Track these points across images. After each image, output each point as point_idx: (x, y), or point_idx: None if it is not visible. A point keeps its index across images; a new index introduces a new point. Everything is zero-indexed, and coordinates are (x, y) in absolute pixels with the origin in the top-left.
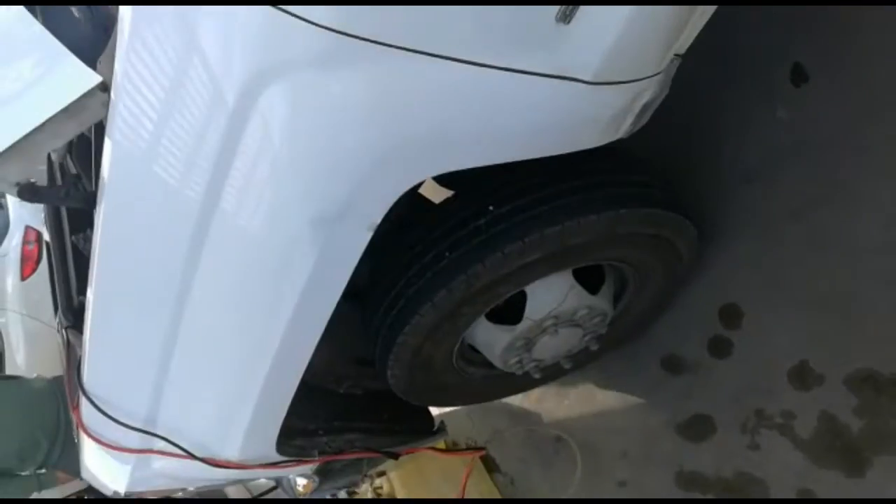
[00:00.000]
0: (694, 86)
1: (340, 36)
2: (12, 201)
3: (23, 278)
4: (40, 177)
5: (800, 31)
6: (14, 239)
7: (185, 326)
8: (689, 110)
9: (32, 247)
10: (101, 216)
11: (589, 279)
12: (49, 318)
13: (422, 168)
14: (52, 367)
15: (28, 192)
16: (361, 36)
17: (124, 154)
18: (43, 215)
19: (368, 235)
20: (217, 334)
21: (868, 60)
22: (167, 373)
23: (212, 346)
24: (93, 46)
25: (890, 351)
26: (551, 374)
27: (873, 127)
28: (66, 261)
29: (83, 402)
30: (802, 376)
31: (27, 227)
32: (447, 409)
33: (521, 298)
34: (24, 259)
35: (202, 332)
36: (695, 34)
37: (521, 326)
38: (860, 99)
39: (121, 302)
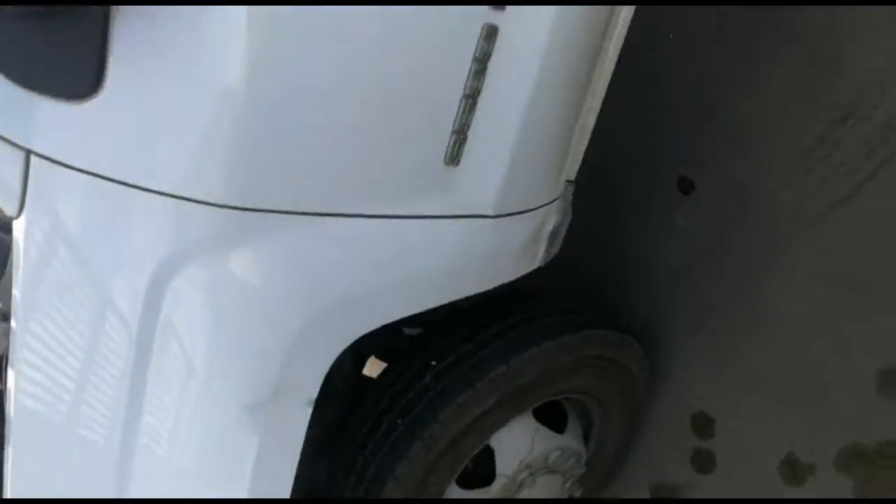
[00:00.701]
0: (595, 212)
1: (238, 212)
2: None
3: None
4: None
5: (673, 145)
6: None
7: None
8: (595, 235)
9: None
10: (9, 457)
11: (552, 421)
12: None
13: (347, 331)
14: None
15: None
16: (260, 208)
17: (31, 384)
18: None
19: (309, 410)
20: None
21: (742, 160)
22: None
23: None
24: None
25: (865, 418)
26: None
27: (764, 213)
28: None
29: None
30: (793, 470)
31: None
32: None
33: (488, 456)
34: None
35: None
36: (579, 159)
37: (496, 485)
38: (745, 192)
39: None
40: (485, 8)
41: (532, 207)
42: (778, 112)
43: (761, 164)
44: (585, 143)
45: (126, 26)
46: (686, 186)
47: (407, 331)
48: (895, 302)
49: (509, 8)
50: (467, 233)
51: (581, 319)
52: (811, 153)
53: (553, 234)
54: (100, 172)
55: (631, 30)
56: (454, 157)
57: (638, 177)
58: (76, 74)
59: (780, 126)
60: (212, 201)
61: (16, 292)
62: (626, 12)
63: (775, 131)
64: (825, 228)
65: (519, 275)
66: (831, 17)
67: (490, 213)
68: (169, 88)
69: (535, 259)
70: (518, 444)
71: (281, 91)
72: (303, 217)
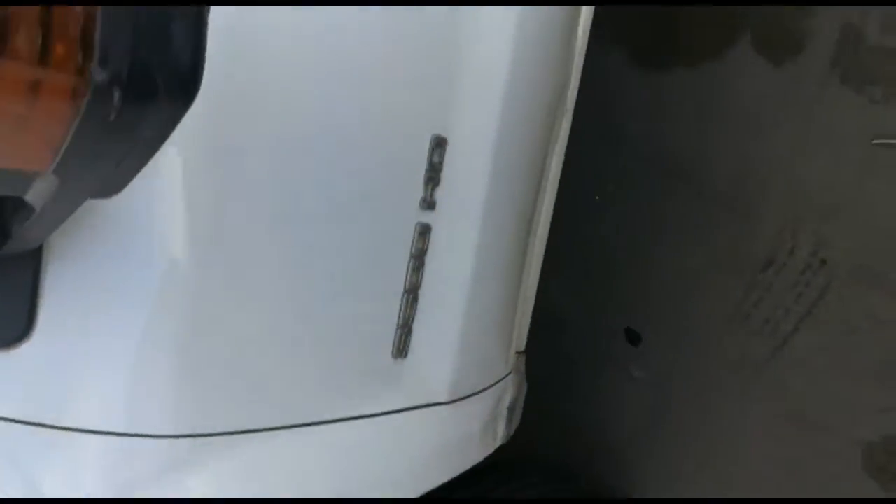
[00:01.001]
0: (548, 377)
1: (188, 439)
2: None
3: None
4: None
5: (613, 302)
6: None
7: None
8: (551, 402)
9: None
10: None
11: None
12: None
13: None
14: None
15: None
16: (210, 432)
17: None
18: None
19: None
20: None
21: (682, 311)
22: None
23: None
24: None
25: None
26: None
27: (713, 359)
28: None
29: None
30: None
31: None
32: None
33: None
34: None
35: None
36: (526, 329)
37: None
38: (691, 342)
39: None
40: (416, 209)
41: (486, 386)
42: (707, 263)
43: (701, 313)
44: (530, 312)
45: (57, 269)
46: (633, 338)
47: None
48: (851, 440)
49: (439, 207)
50: (425, 422)
51: (557, 492)
52: (745, 300)
53: (511, 409)
54: (33, 420)
55: (562, 192)
56: (401, 350)
57: (586, 334)
58: (4, 322)
59: (711, 276)
60: (158, 433)
61: None
62: (550, 188)
63: (708, 282)
64: (774, 368)
65: (484, 455)
66: (742, 173)
67: (445, 399)
68: (101, 325)
69: (497, 437)
70: None
71: (220, 315)
72: (256, 434)
